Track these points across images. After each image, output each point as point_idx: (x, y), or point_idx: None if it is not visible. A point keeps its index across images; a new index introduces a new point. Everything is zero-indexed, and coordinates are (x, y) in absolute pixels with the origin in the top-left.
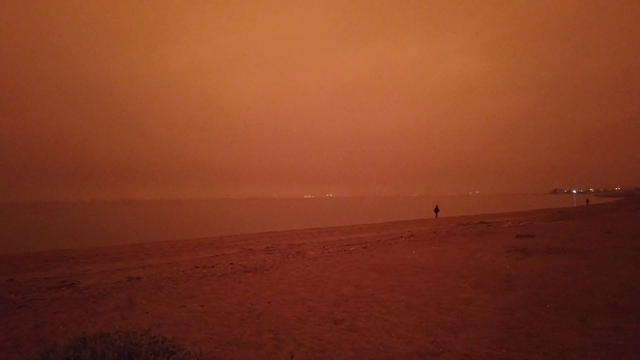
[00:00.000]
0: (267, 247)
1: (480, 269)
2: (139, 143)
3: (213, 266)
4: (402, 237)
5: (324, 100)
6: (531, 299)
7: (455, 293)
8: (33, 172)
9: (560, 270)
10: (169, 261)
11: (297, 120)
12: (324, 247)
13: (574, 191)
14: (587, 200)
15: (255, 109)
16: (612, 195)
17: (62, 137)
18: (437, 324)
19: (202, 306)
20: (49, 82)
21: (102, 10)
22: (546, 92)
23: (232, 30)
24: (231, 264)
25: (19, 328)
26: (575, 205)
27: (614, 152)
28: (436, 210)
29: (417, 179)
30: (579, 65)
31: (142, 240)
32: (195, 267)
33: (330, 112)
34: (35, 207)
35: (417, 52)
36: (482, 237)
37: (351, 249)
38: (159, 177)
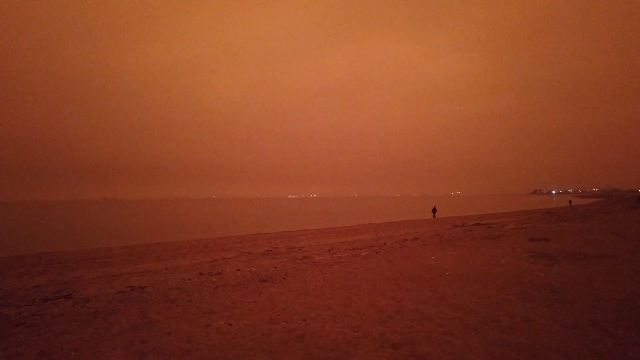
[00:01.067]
0: (267, 251)
1: (514, 278)
2: (120, 141)
3: (219, 273)
4: (406, 239)
5: (309, 100)
6: (595, 314)
7: (506, 307)
8: (11, 170)
9: (601, 278)
10: (166, 266)
11: (282, 119)
12: (329, 250)
13: (554, 192)
14: (570, 202)
15: (240, 108)
16: (591, 196)
17: (39, 135)
18: (510, 347)
19: (231, 325)
20: (37, 78)
21: (80, 7)
22: (527, 93)
23: (218, 28)
24: (238, 270)
25: (22, 355)
26: (559, 206)
27: (591, 154)
28: (434, 211)
29: (399, 179)
30: (560, 66)
31: (130, 242)
32: (200, 274)
33: (315, 112)
34: (12, 206)
35: (403, 52)
36: (492, 241)
37: (363, 254)
38: (139, 177)
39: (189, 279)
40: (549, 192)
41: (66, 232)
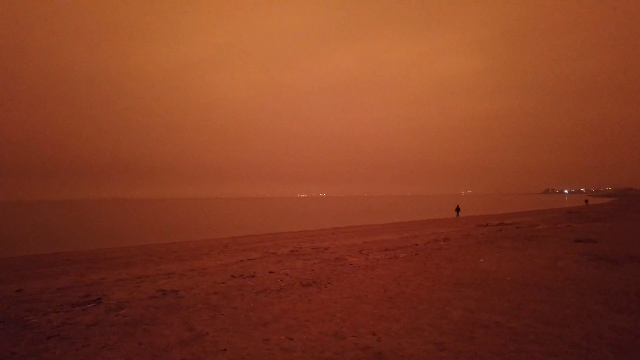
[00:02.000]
0: (292, 251)
1: (585, 284)
2: (128, 141)
3: (253, 276)
4: (437, 239)
5: (316, 99)
6: None
7: (599, 319)
8: (22, 170)
9: None
10: (191, 267)
11: (289, 118)
12: (360, 252)
13: (566, 191)
14: (586, 201)
15: (247, 107)
16: (605, 195)
17: (49, 134)
18: None
19: (292, 339)
20: (39, 78)
21: (86, 7)
22: (538, 92)
23: (224, 28)
24: (271, 272)
25: None
26: (575, 205)
27: (603, 152)
28: (457, 209)
29: (409, 178)
30: (572, 65)
31: (146, 241)
32: (232, 276)
33: (322, 111)
34: (24, 205)
35: (410, 52)
36: (532, 242)
37: (402, 256)
38: (148, 176)
39: (223, 283)
40: (561, 191)
41: (80, 231)
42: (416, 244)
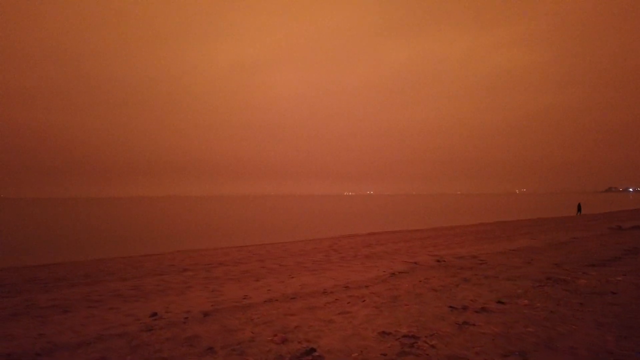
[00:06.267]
0: (438, 261)
1: None
2: (182, 141)
3: (482, 310)
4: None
5: (366, 96)
6: None
7: None
8: (78, 169)
9: None
10: (345, 283)
11: (338, 116)
12: (556, 265)
13: (631, 189)
14: None
15: (297, 106)
16: None
17: (105, 136)
18: None
19: None
20: (93, 83)
21: (146, 11)
22: (600, 85)
23: (276, 27)
24: (501, 303)
25: None
26: None
27: None
28: (579, 208)
29: (458, 176)
30: (635, 56)
31: (230, 242)
32: (452, 307)
33: (372, 108)
34: (87, 202)
35: (464, 46)
36: None
37: (619, 278)
38: (202, 174)
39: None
40: (625, 190)
41: (154, 232)
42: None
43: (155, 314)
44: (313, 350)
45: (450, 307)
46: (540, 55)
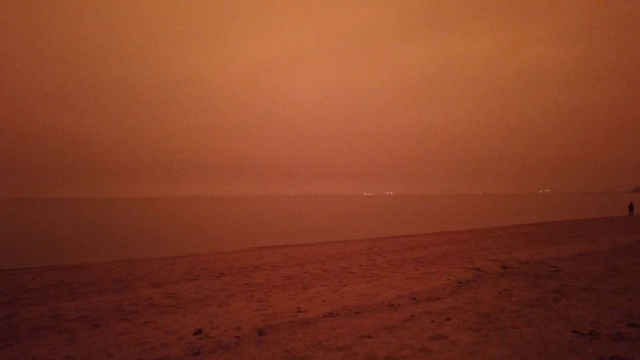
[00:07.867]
0: (503, 267)
1: None
2: (206, 141)
3: (595, 336)
4: None
5: (388, 96)
6: None
7: None
8: (106, 170)
9: None
10: (412, 296)
11: (359, 116)
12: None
13: None
14: None
15: (318, 106)
16: None
17: (131, 134)
18: None
19: None
20: (121, 84)
21: (171, 13)
22: (629, 83)
23: (299, 28)
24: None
25: None
26: None
27: None
28: (631, 208)
29: (479, 176)
30: None
31: (262, 242)
32: (576, 331)
33: (393, 108)
34: (112, 202)
35: (489, 43)
36: None
37: None
38: (223, 174)
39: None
40: None
41: (185, 232)
42: None
43: (199, 331)
44: None
45: (575, 331)
46: (566, 52)
